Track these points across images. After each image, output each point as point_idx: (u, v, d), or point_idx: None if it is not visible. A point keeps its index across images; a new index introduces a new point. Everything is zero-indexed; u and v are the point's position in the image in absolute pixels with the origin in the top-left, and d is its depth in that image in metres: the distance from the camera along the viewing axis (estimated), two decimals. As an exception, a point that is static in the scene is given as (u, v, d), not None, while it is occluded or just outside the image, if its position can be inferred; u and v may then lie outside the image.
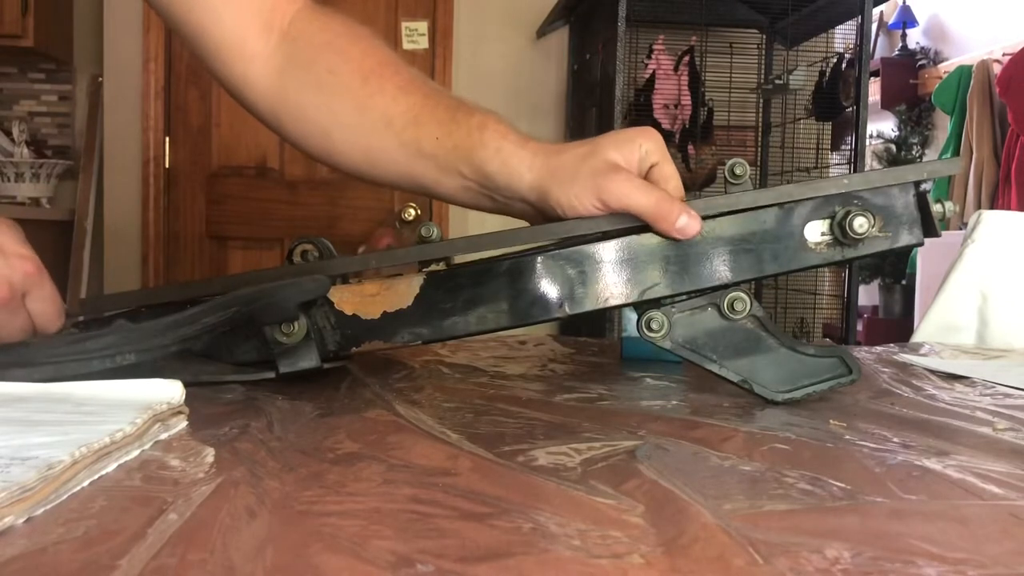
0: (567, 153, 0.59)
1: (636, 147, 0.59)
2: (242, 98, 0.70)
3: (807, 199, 0.57)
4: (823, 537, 0.31)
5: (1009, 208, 3.65)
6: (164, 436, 0.43)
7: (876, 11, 3.94)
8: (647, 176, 0.60)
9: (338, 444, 0.43)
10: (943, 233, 0.57)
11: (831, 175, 2.66)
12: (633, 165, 0.59)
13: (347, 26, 0.68)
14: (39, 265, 0.54)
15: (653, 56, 2.45)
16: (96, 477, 0.35)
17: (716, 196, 0.58)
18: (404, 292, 0.59)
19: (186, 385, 0.48)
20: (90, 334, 0.57)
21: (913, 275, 3.95)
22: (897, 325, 4.26)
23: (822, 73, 2.47)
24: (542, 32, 2.81)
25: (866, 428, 0.51)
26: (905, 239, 0.57)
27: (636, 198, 0.56)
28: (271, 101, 0.68)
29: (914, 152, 4.61)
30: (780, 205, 0.57)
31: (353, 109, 0.65)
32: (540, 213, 0.62)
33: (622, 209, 0.56)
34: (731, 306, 0.57)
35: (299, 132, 0.68)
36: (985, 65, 3.98)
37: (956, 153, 4.03)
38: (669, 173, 0.59)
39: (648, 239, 0.57)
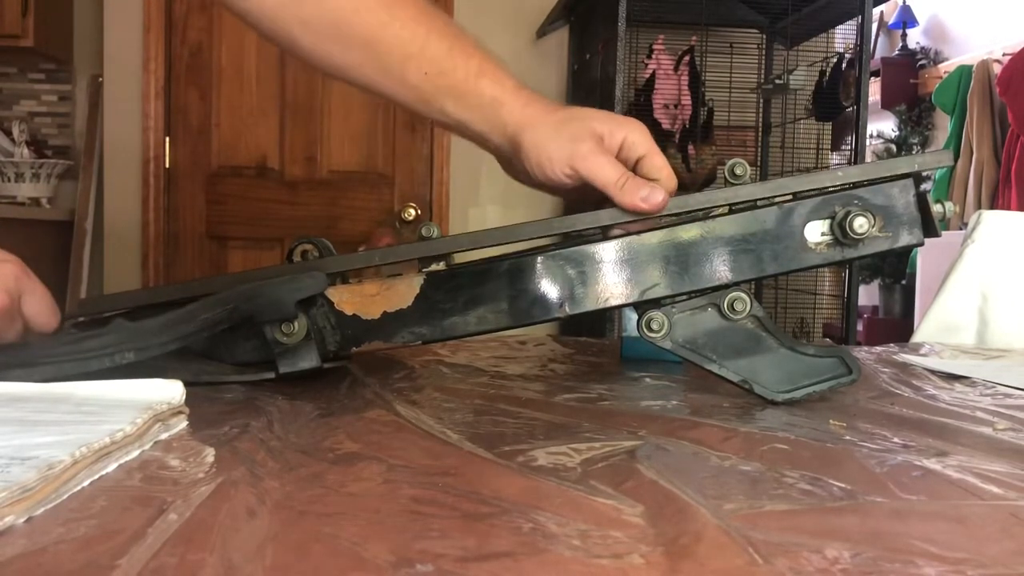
0: (555, 114, 0.59)
1: (623, 132, 0.59)
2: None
3: (806, 199, 0.57)
4: (823, 537, 0.31)
5: (1009, 208, 3.65)
6: (164, 436, 0.43)
7: (876, 11, 3.94)
8: (636, 168, 0.59)
9: (338, 444, 0.43)
10: (943, 233, 0.57)
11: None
12: (613, 147, 0.59)
13: None
14: (25, 267, 0.53)
15: (653, 56, 2.44)
16: (96, 477, 0.35)
17: (692, 195, 0.58)
18: (404, 292, 0.59)
19: (186, 385, 0.48)
20: (89, 333, 0.57)
21: (913, 275, 3.95)
22: (897, 325, 4.26)
23: (822, 73, 2.47)
24: (542, 32, 2.81)
25: (866, 428, 0.51)
26: (905, 239, 0.57)
27: (604, 171, 0.56)
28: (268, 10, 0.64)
29: (914, 152, 4.61)
30: (779, 205, 0.57)
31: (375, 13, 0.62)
32: (508, 156, 0.61)
33: (588, 178, 0.56)
34: (731, 306, 0.57)
35: (308, 33, 0.63)
36: (985, 65, 3.98)
37: (956, 153, 4.03)
38: (660, 164, 0.59)
39: (649, 239, 0.57)
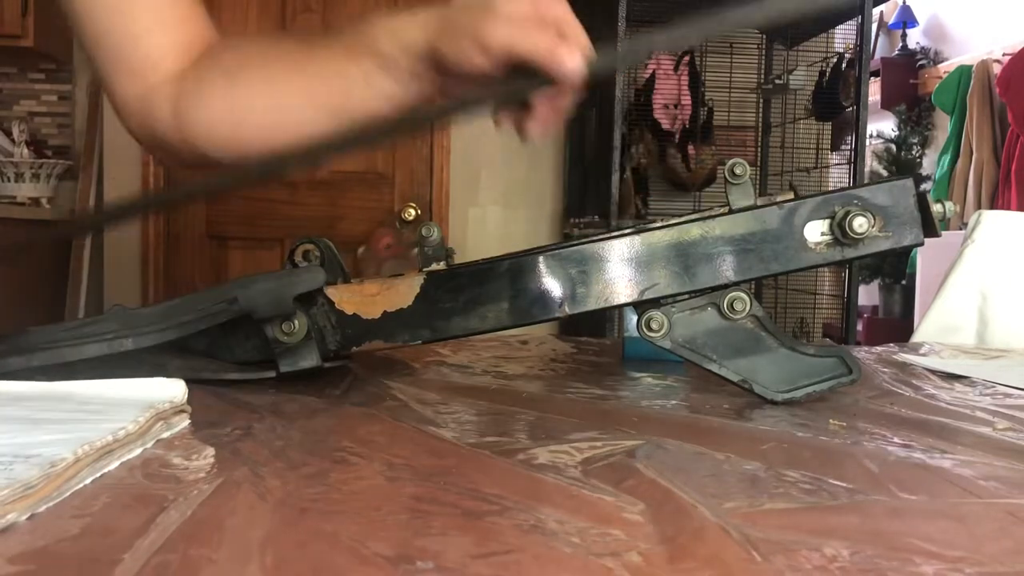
0: (452, 9, 0.55)
1: (534, 4, 0.53)
2: (145, 117, 0.68)
3: (806, 198, 0.57)
4: (822, 536, 0.31)
5: (1009, 208, 3.65)
6: (166, 434, 0.43)
7: (876, 11, 3.94)
8: None
9: (339, 443, 0.43)
10: (943, 233, 0.57)
11: (831, 175, 2.66)
12: (525, 16, 0.53)
13: (237, 36, 0.70)
14: None
15: (653, 56, 2.45)
16: (98, 475, 0.35)
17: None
18: (405, 291, 0.59)
19: (188, 383, 0.48)
20: (87, 320, 0.58)
21: (913, 275, 3.95)
22: (897, 325, 4.26)
23: (822, 73, 2.47)
24: (542, 32, 2.81)
25: (866, 428, 0.51)
26: (905, 239, 0.57)
27: (523, 37, 0.50)
28: (173, 111, 0.67)
29: (914, 152, 4.61)
30: (780, 205, 0.58)
31: (257, 70, 0.65)
32: (450, 81, 0.57)
33: (506, 51, 0.51)
34: (731, 306, 0.57)
35: (204, 130, 0.66)
36: (985, 65, 3.98)
37: (956, 153, 4.03)
38: (581, 40, 0.54)
39: (649, 238, 0.58)
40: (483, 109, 0.55)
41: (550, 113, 0.55)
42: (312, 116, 0.63)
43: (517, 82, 0.52)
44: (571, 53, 0.50)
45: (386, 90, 0.60)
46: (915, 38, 4.88)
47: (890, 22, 4.91)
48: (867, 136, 2.39)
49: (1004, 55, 3.90)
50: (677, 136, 2.44)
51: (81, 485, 0.34)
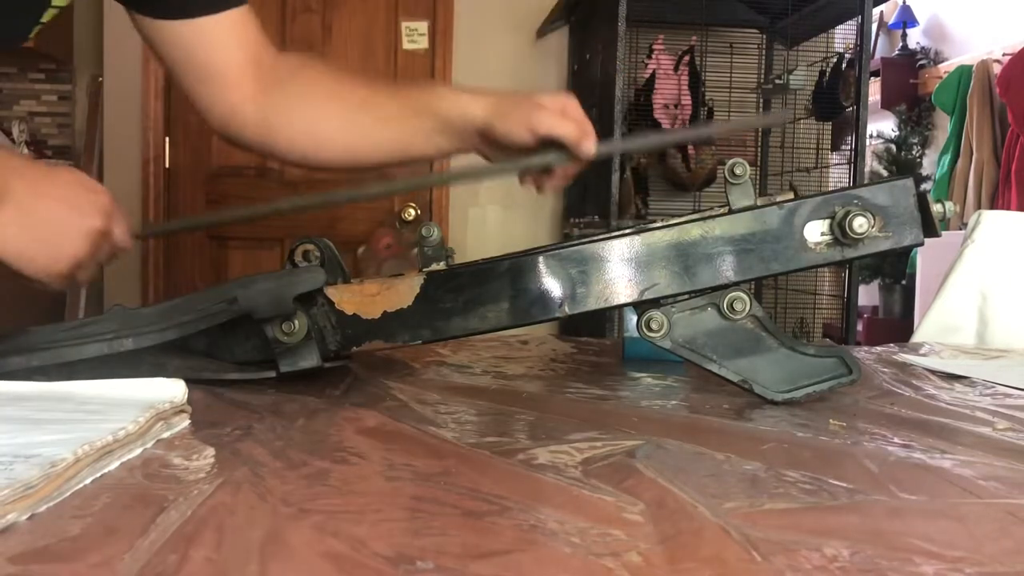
0: (508, 98, 0.74)
1: (561, 101, 0.72)
2: (234, 123, 0.80)
3: (806, 198, 0.57)
4: (822, 535, 0.31)
5: (1009, 208, 3.64)
6: (166, 435, 0.43)
7: (876, 11, 3.94)
8: None
9: (339, 443, 0.43)
10: (943, 233, 0.57)
11: (831, 175, 2.66)
12: (558, 111, 0.72)
13: (309, 55, 0.84)
14: (111, 196, 0.63)
15: (653, 56, 2.44)
16: (99, 475, 0.35)
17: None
18: (405, 292, 0.59)
19: (188, 383, 0.48)
20: (87, 320, 0.58)
21: (913, 275, 3.95)
22: (897, 325, 4.26)
23: (822, 73, 2.46)
24: (542, 32, 2.81)
25: (866, 428, 0.51)
26: (905, 239, 0.57)
27: (561, 127, 0.70)
28: (262, 118, 0.79)
29: (914, 152, 4.61)
30: (780, 205, 0.58)
31: (334, 102, 0.79)
32: (490, 148, 0.75)
33: (548, 135, 0.70)
34: (731, 306, 0.57)
35: (289, 141, 0.80)
36: (985, 65, 3.97)
37: (956, 153, 4.03)
38: (591, 131, 0.72)
39: (649, 238, 0.58)
40: (516, 172, 0.74)
41: (564, 177, 0.75)
42: (377, 153, 0.80)
43: (548, 156, 0.71)
44: (590, 141, 0.70)
45: (441, 146, 0.77)
46: (915, 38, 4.87)
47: (890, 22, 4.91)
48: (867, 136, 2.39)
49: (1004, 55, 3.90)
50: (677, 136, 2.44)
51: (81, 485, 0.34)
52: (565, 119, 0.71)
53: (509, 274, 0.58)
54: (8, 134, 2.87)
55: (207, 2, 0.76)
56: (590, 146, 0.70)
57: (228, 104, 0.79)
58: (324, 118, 0.78)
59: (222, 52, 0.77)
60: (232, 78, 0.78)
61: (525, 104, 0.72)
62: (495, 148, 0.74)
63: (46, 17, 0.72)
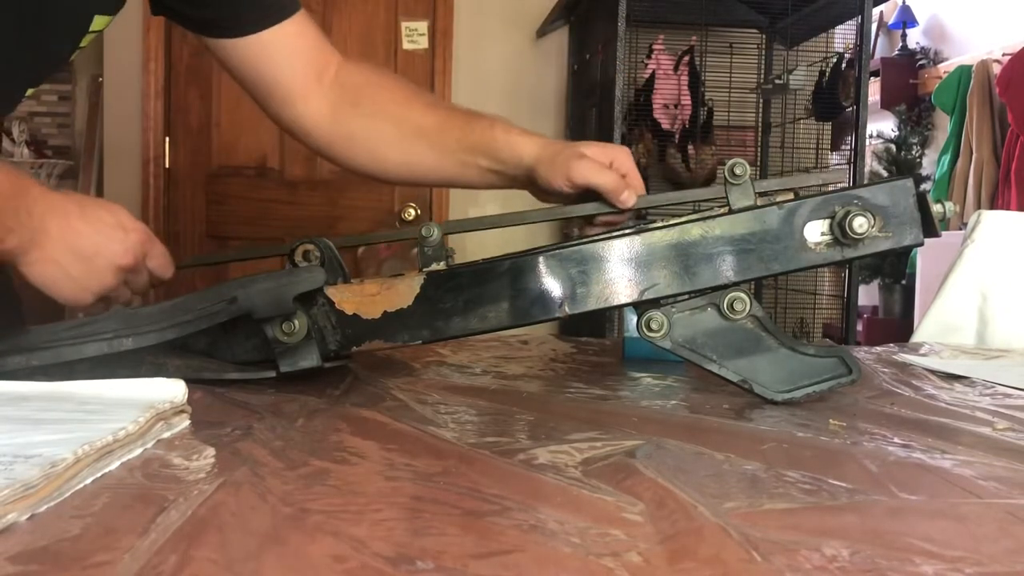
0: (554, 145, 0.78)
1: (614, 153, 0.76)
2: (299, 132, 0.85)
3: (807, 198, 0.57)
4: (822, 535, 0.31)
5: (1009, 208, 3.64)
6: (167, 435, 0.43)
7: (876, 11, 3.94)
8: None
9: (339, 443, 0.44)
10: (943, 233, 0.57)
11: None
12: (605, 163, 0.74)
13: (376, 68, 0.88)
14: (150, 232, 0.67)
15: (653, 56, 2.44)
16: (99, 475, 0.35)
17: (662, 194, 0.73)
18: (405, 292, 0.59)
19: (188, 383, 0.48)
20: (87, 319, 0.58)
21: (913, 275, 3.95)
22: (897, 325, 4.26)
23: (822, 73, 2.46)
24: (542, 32, 2.81)
25: (866, 428, 0.51)
26: (905, 239, 0.57)
27: (598, 176, 0.72)
28: (325, 131, 0.84)
29: (914, 152, 4.61)
30: (780, 204, 0.58)
31: (393, 127, 0.83)
32: (537, 190, 0.79)
33: (584, 185, 0.72)
34: (731, 306, 0.57)
35: (349, 154, 0.85)
36: (985, 65, 3.97)
37: (956, 153, 4.03)
38: (638, 184, 0.75)
39: (649, 238, 0.58)
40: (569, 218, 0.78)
41: (605, 224, 0.75)
42: (431, 177, 0.86)
43: (588, 204, 0.73)
44: (629, 192, 0.72)
45: (493, 182, 0.82)
46: (915, 38, 4.87)
47: (890, 22, 4.91)
48: (867, 136, 2.39)
49: (1004, 55, 3.90)
50: (677, 136, 2.44)
51: (81, 485, 0.34)
52: (603, 170, 0.73)
53: (509, 274, 0.58)
54: (8, 134, 2.87)
55: (259, 17, 0.79)
56: (628, 198, 0.72)
57: (294, 117, 0.83)
58: (384, 144, 0.83)
59: (284, 65, 0.81)
60: (297, 91, 0.82)
61: (567, 152, 0.75)
62: (541, 191, 0.78)
63: (85, 42, 0.73)
